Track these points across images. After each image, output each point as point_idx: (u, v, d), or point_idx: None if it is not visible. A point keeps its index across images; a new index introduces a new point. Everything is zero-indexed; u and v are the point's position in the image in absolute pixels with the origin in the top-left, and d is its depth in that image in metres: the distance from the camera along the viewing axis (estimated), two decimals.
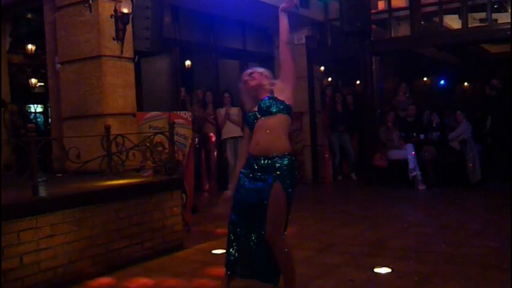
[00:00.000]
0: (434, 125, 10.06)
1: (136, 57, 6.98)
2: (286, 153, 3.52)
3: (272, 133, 3.51)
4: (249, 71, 3.75)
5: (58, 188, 5.09)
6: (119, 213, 4.94)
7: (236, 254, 3.68)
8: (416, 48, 11.89)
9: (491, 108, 9.85)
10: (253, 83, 3.65)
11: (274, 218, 3.47)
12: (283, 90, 3.60)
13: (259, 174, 3.53)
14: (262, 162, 3.51)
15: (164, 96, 9.06)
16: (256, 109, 3.60)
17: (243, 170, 3.65)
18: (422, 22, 10.22)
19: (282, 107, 3.53)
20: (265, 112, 3.53)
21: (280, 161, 3.49)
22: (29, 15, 10.90)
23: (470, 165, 9.14)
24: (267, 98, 3.57)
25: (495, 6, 10.63)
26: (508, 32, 8.96)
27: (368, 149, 10.23)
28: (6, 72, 8.95)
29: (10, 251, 3.99)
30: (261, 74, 3.69)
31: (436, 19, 10.23)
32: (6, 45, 9.34)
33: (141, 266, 4.94)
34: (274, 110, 3.51)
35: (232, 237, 3.69)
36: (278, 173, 3.47)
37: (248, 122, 3.67)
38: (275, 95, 3.58)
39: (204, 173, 9.47)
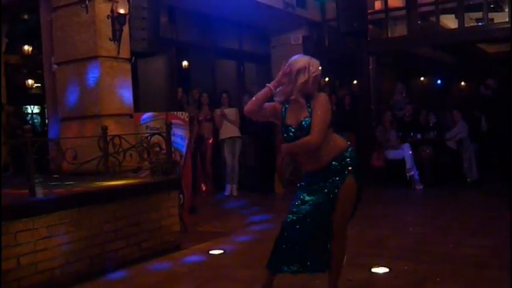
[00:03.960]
0: (431, 125, 10.08)
1: (133, 57, 6.97)
2: (343, 149, 3.47)
3: (319, 148, 3.39)
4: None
5: (55, 189, 5.09)
6: (116, 214, 4.93)
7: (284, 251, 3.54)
8: (413, 48, 11.91)
9: (486, 107, 9.88)
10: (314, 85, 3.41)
11: (345, 209, 3.44)
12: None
13: (317, 183, 3.47)
14: (321, 174, 3.45)
15: (161, 97, 9.05)
16: (294, 124, 3.42)
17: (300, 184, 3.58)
18: (418, 22, 10.23)
19: None
20: (307, 132, 3.36)
21: (347, 158, 3.44)
22: (26, 16, 10.86)
23: (467, 169, 9.14)
24: (308, 118, 3.37)
25: (491, 5, 10.65)
26: (496, 34, 9.01)
27: (365, 149, 10.22)
28: (2, 73, 8.93)
29: (7, 252, 3.97)
30: None
31: (433, 19, 10.25)
32: (3, 46, 9.31)
33: (139, 266, 4.93)
34: None
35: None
36: (350, 168, 3.43)
37: (285, 135, 3.48)
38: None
39: (201, 174, 9.46)
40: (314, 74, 3.37)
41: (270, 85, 3.44)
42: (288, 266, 3.52)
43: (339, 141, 3.52)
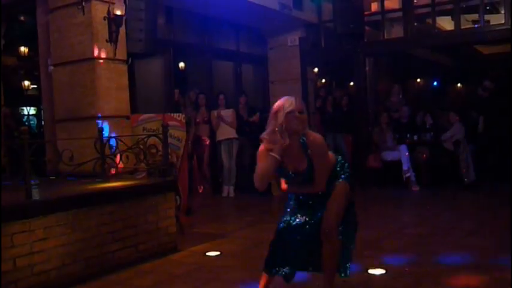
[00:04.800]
0: (427, 126, 10.10)
1: (130, 59, 6.97)
2: (334, 166, 3.57)
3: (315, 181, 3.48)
4: (300, 102, 3.34)
5: (51, 190, 5.08)
6: (113, 216, 4.92)
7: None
8: (409, 50, 11.92)
9: (483, 109, 9.90)
10: (304, 123, 3.36)
11: (338, 209, 3.47)
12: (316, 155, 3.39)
13: (308, 204, 3.55)
14: (316, 198, 3.53)
15: (158, 98, 9.05)
16: (293, 170, 3.42)
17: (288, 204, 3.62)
18: (415, 24, 10.25)
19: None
20: (307, 180, 3.45)
21: (338, 169, 3.56)
22: (22, 18, 10.85)
23: (464, 170, 9.15)
24: (307, 167, 3.38)
25: (487, 7, 10.68)
26: (493, 36, 9.03)
27: (362, 150, 10.24)
28: None
29: (3, 254, 3.96)
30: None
31: (429, 20, 10.27)
32: (0, 47, 9.30)
33: (135, 268, 4.93)
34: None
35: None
36: (341, 178, 3.54)
37: (284, 176, 3.53)
38: (311, 159, 3.39)
39: (197, 176, 9.46)
40: (288, 110, 3.28)
41: (274, 154, 3.29)
42: (280, 268, 3.55)
43: (330, 161, 3.58)
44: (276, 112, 3.32)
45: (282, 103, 3.33)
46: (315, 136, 3.42)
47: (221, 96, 9.47)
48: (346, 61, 10.85)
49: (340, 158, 3.64)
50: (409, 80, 15.74)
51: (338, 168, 3.57)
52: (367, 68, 10.33)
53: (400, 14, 10.24)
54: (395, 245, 5.50)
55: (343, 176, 3.55)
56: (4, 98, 8.89)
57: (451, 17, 9.94)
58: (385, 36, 10.27)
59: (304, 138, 3.38)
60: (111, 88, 6.65)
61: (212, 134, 9.50)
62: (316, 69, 11.64)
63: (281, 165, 3.41)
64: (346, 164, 3.61)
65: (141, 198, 5.26)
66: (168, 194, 5.60)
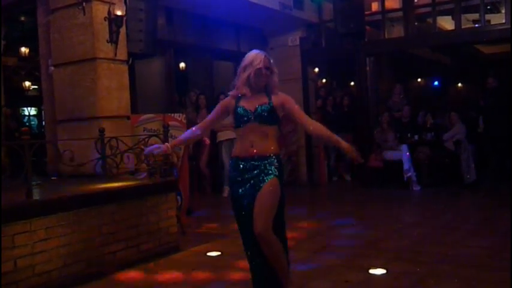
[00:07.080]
0: (428, 126, 10.10)
1: (130, 59, 6.97)
2: (278, 154, 3.55)
3: (268, 138, 3.49)
4: (268, 59, 3.51)
5: (52, 191, 5.08)
6: (114, 216, 4.93)
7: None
8: (410, 49, 11.92)
9: (483, 108, 9.91)
10: (268, 78, 3.50)
11: (269, 210, 3.41)
12: (283, 107, 3.52)
13: (249, 173, 3.47)
14: (256, 163, 3.46)
15: (158, 99, 9.05)
16: (251, 108, 3.47)
17: (231, 176, 3.59)
18: (415, 23, 10.25)
19: (277, 120, 3.53)
20: (262, 119, 3.45)
21: (276, 161, 3.50)
22: (23, 18, 10.86)
23: (468, 176, 9.15)
24: (267, 104, 3.47)
25: (488, 7, 10.68)
26: (493, 36, 9.02)
27: (363, 150, 10.23)
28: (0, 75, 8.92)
29: (4, 254, 3.97)
30: (276, 74, 3.57)
31: (430, 20, 10.26)
32: (1, 48, 9.30)
33: (137, 268, 4.93)
34: (271, 123, 3.49)
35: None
36: (276, 170, 3.47)
37: (238, 117, 3.49)
38: (274, 104, 3.48)
39: (198, 176, 9.45)
40: (257, 67, 3.48)
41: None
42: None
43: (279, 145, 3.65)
44: (245, 66, 3.54)
45: (252, 58, 3.52)
46: (282, 94, 3.59)
47: (221, 97, 9.42)
48: (346, 61, 10.84)
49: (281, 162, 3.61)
50: (410, 80, 15.74)
51: (276, 163, 3.49)
52: (367, 68, 10.33)
53: (400, 13, 10.23)
54: (396, 245, 5.51)
55: (275, 172, 3.47)
56: (5, 99, 8.90)
57: (452, 16, 9.93)
58: (386, 36, 10.26)
59: (272, 95, 3.53)
60: (112, 88, 6.65)
61: (212, 135, 9.49)
62: (316, 69, 11.63)
63: (236, 105, 3.52)
64: (282, 168, 3.60)
65: (142, 198, 5.27)
66: (169, 194, 5.60)
